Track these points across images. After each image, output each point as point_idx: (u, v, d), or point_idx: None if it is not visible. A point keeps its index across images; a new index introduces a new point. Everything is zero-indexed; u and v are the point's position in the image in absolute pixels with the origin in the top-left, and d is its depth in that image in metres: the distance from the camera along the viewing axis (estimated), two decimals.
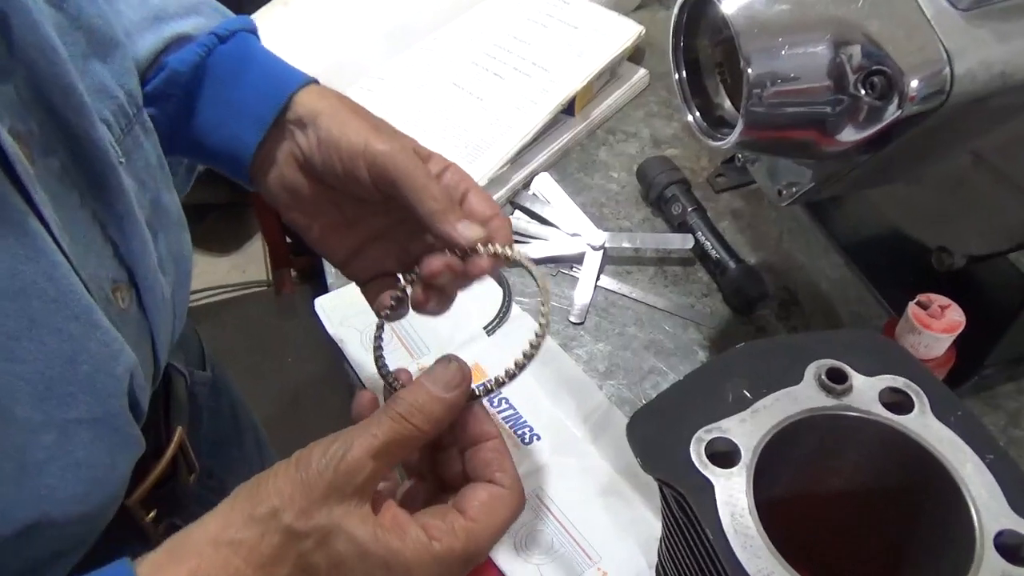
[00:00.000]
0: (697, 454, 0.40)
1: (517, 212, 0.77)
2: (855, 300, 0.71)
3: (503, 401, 0.63)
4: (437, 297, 0.47)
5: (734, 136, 0.49)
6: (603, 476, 0.59)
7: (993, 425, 0.62)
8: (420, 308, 0.47)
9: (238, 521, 0.35)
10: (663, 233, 0.75)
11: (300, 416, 1.78)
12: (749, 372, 0.43)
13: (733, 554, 0.36)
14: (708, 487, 0.39)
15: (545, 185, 0.78)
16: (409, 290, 0.48)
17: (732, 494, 0.39)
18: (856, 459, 0.43)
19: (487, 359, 0.65)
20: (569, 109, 0.85)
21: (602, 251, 0.73)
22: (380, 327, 0.48)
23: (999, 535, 0.37)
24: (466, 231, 0.43)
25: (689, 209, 0.75)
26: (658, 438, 0.41)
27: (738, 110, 0.48)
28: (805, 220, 0.78)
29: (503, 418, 0.62)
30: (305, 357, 1.88)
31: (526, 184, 0.79)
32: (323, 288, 0.74)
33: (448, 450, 0.42)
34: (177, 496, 0.53)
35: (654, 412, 0.43)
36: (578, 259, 0.73)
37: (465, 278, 0.45)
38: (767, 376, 0.43)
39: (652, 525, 0.55)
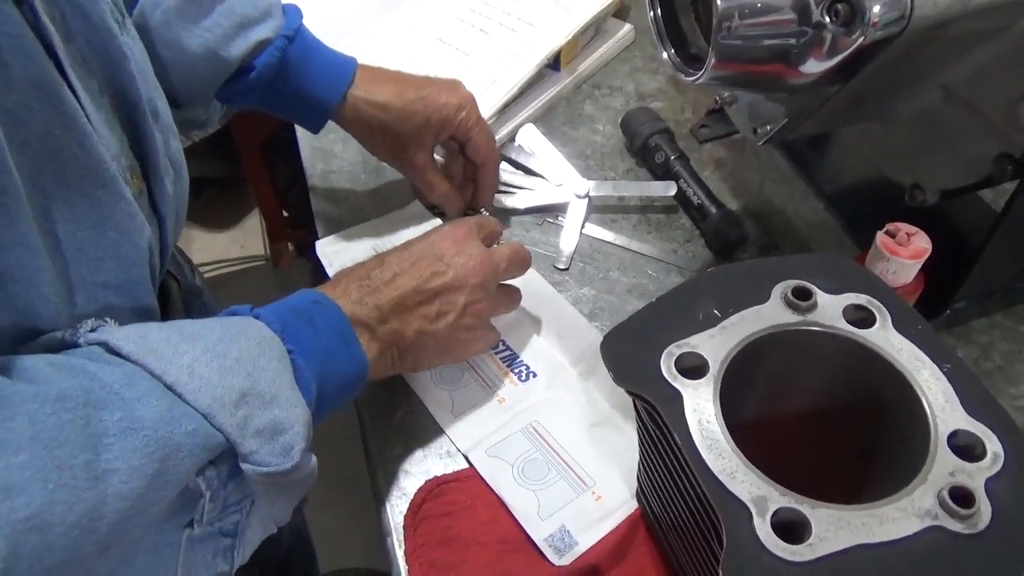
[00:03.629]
0: (667, 367, 0.42)
1: (504, 163, 0.78)
2: (833, 243, 0.72)
3: (500, 342, 0.65)
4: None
5: (706, 70, 0.50)
6: (597, 409, 0.61)
7: (966, 358, 0.64)
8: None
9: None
10: (647, 181, 0.77)
11: None
12: (719, 293, 0.45)
13: (699, 455, 0.38)
14: (677, 397, 0.41)
15: (531, 137, 0.80)
16: None
17: (699, 403, 0.40)
18: (821, 375, 0.45)
19: None
20: (555, 64, 0.86)
21: (587, 200, 0.75)
22: None
23: (952, 435, 0.39)
24: (451, 211, 0.72)
25: (672, 157, 0.76)
26: (631, 354, 0.43)
27: (710, 45, 0.50)
28: (786, 168, 0.79)
29: (501, 358, 0.64)
30: None
31: (512, 137, 0.81)
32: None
33: None
34: None
35: (627, 331, 0.44)
36: (563, 208, 0.75)
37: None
38: (736, 296, 0.45)
39: None
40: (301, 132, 0.83)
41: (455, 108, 0.67)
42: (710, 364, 0.42)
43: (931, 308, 0.62)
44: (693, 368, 0.42)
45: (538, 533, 0.54)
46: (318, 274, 0.70)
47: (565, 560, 0.53)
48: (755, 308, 0.44)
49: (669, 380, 0.41)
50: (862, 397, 0.44)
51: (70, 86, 0.40)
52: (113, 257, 0.43)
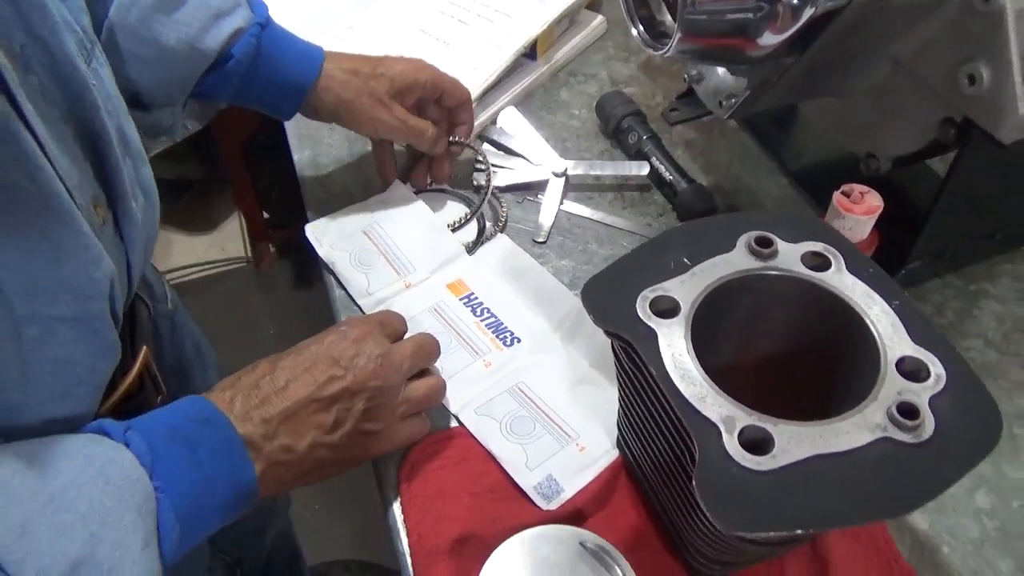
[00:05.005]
0: (643, 309, 0.45)
1: (486, 144, 0.82)
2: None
3: (485, 311, 0.68)
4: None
5: (673, 43, 0.54)
6: (578, 369, 0.64)
7: None
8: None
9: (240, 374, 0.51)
10: (621, 161, 0.81)
11: None
12: (688, 244, 0.49)
13: (673, 384, 0.42)
14: (652, 335, 0.44)
15: (511, 119, 0.83)
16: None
17: (672, 340, 0.44)
18: (783, 318, 0.49)
19: (469, 275, 0.71)
20: (531, 53, 0.90)
21: (564, 178, 0.79)
22: None
23: (900, 361, 0.43)
24: (437, 150, 0.75)
25: (644, 137, 0.80)
26: (608, 300, 0.47)
27: (676, 21, 0.54)
28: (753, 147, 0.84)
29: (486, 325, 0.67)
30: (286, 328, 1.92)
31: (493, 120, 0.84)
32: (303, 256, 0.80)
33: None
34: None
35: (604, 280, 0.48)
36: (542, 186, 0.79)
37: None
38: (704, 247, 0.49)
39: None
40: (293, 134, 0.86)
41: (414, 69, 0.70)
42: (682, 306, 0.46)
43: (887, 269, 0.66)
44: (666, 310, 0.46)
45: (526, 482, 0.57)
46: (300, 274, 0.74)
47: (552, 505, 0.56)
48: (722, 256, 0.48)
49: (644, 320, 0.45)
50: (820, 335, 0.48)
51: (24, 119, 0.39)
52: (68, 291, 0.42)
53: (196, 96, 0.66)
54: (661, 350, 0.44)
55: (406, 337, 0.58)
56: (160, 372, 0.59)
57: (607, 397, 0.62)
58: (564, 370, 0.64)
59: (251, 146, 1.86)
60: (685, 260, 0.48)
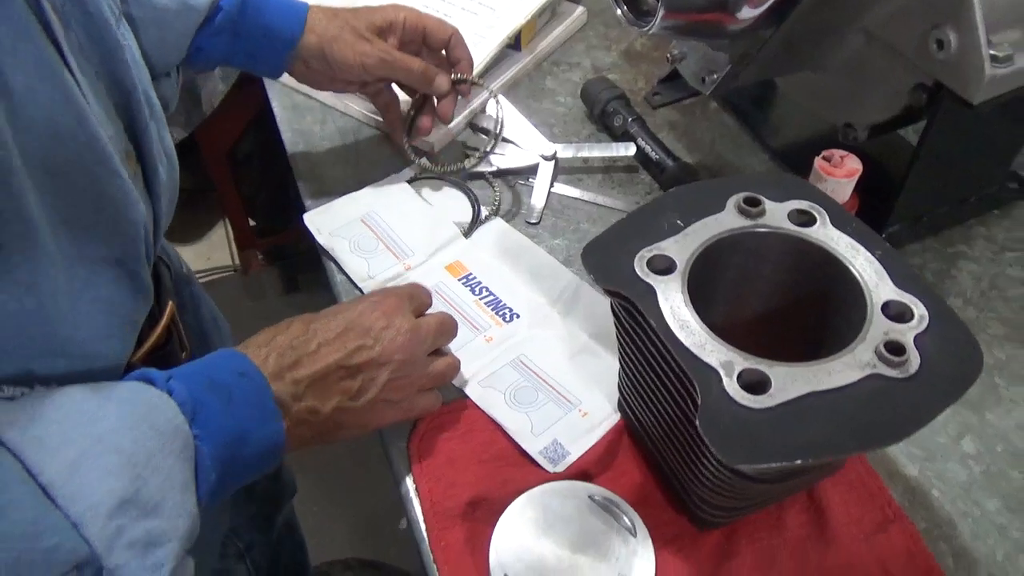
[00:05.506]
0: (640, 268, 0.48)
1: (476, 132, 0.84)
2: None
3: (484, 290, 0.70)
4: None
5: (656, 20, 0.57)
6: (577, 340, 0.66)
7: None
8: (424, 127, 0.80)
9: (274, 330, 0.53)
10: (608, 143, 0.83)
11: None
12: (680, 207, 0.51)
13: (673, 334, 0.44)
14: (651, 292, 0.47)
15: (500, 107, 0.85)
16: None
17: (670, 294, 0.47)
18: (774, 273, 0.52)
19: (466, 256, 0.73)
20: (516, 44, 0.93)
21: (554, 161, 0.81)
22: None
23: (885, 305, 0.46)
24: (440, 87, 0.76)
25: (630, 119, 0.83)
26: (607, 261, 0.49)
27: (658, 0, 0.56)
28: (734, 126, 0.87)
29: (485, 303, 0.69)
30: None
31: (483, 108, 0.87)
32: (291, 261, 0.81)
33: None
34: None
35: (603, 243, 0.50)
36: (532, 170, 0.81)
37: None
38: (695, 209, 0.51)
39: None
40: (281, 115, 0.88)
41: (392, 8, 0.73)
42: (677, 263, 0.48)
43: None
44: (663, 268, 0.48)
45: (532, 447, 0.59)
46: (288, 279, 0.75)
47: (559, 468, 0.58)
48: (713, 216, 0.50)
49: (643, 278, 0.47)
50: (809, 287, 0.50)
51: (69, 70, 0.42)
52: (112, 232, 0.44)
53: (191, 63, 0.68)
54: (660, 305, 0.46)
55: (429, 313, 0.60)
56: (183, 328, 0.61)
57: (606, 365, 0.64)
58: (563, 342, 0.67)
59: (235, 154, 1.87)
60: (678, 222, 0.50)
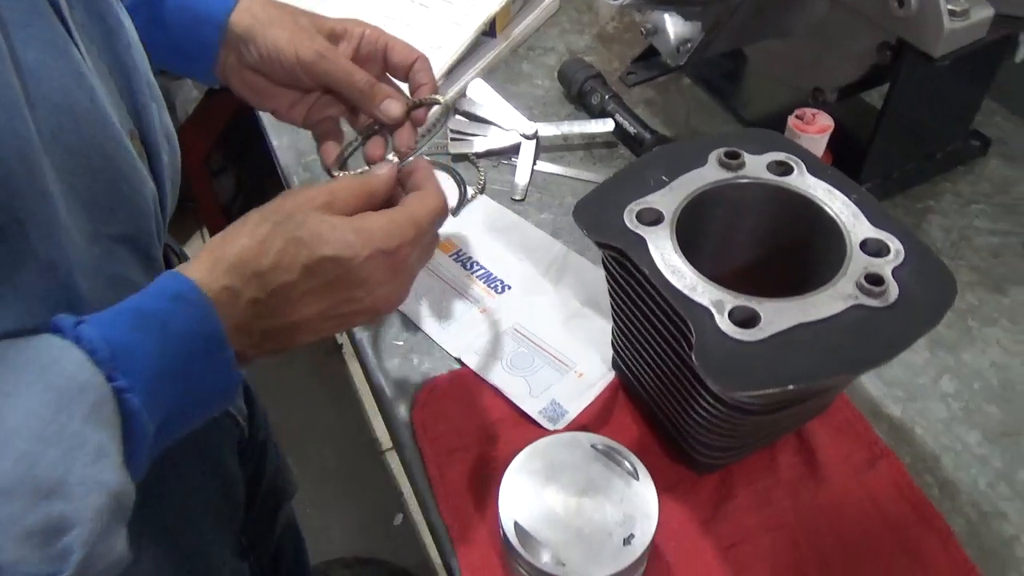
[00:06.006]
0: (630, 220, 0.50)
1: (458, 115, 0.86)
2: None
3: (475, 264, 0.72)
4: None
5: None
6: (569, 307, 0.68)
7: None
8: (375, 160, 0.59)
9: (237, 228, 0.43)
10: (587, 120, 0.86)
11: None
12: (664, 164, 0.54)
13: (665, 279, 0.46)
14: (641, 242, 0.49)
15: (480, 90, 0.88)
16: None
17: (660, 243, 0.49)
18: (756, 223, 0.54)
19: (456, 234, 0.75)
20: (491, 31, 0.95)
21: (535, 140, 0.83)
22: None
23: (863, 243, 0.48)
24: (389, 110, 0.57)
25: (607, 97, 0.85)
26: (599, 215, 0.51)
27: None
28: (708, 100, 0.89)
29: (477, 276, 0.71)
30: None
31: (463, 92, 0.88)
32: None
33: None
34: None
35: (592, 200, 0.52)
36: (515, 150, 0.83)
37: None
38: (679, 165, 0.53)
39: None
40: (269, 123, 0.88)
41: (352, 22, 0.60)
42: (665, 215, 0.50)
43: None
44: (652, 220, 0.50)
45: (531, 407, 0.61)
46: None
47: (559, 426, 0.60)
48: (696, 171, 0.53)
49: (633, 230, 0.49)
50: (791, 233, 0.53)
51: (77, 47, 0.42)
52: (125, 210, 0.44)
53: None
54: (651, 253, 0.48)
55: (424, 236, 0.48)
56: None
57: (599, 328, 0.66)
58: (556, 309, 0.69)
59: (210, 162, 1.87)
60: (663, 177, 0.52)
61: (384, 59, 0.60)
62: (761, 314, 0.44)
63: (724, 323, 0.44)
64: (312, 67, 0.56)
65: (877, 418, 0.62)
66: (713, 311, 0.45)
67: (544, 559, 0.47)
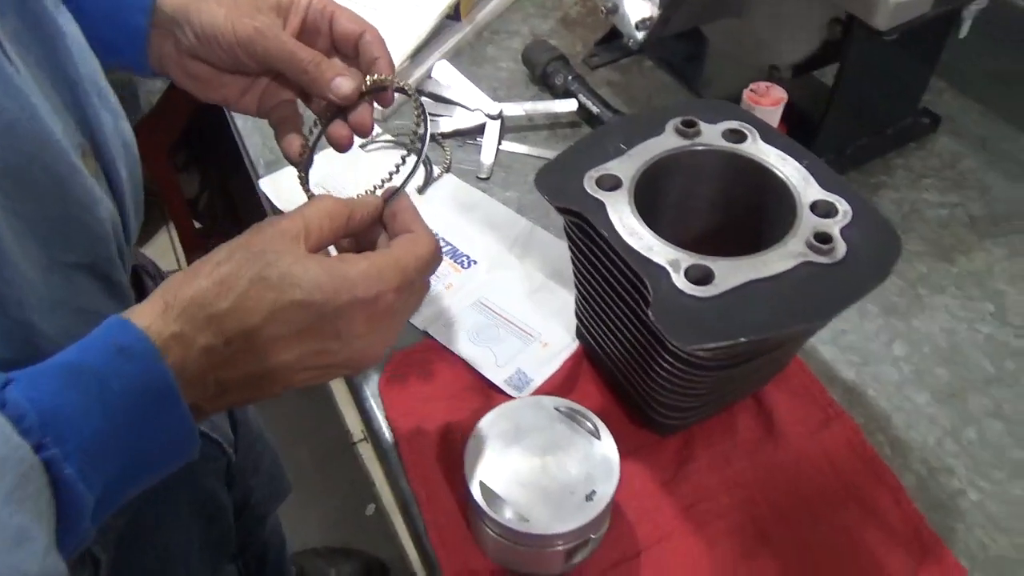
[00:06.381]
0: (590, 186, 0.51)
1: (424, 97, 0.87)
2: None
3: (441, 240, 0.73)
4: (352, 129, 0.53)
5: None
6: (534, 280, 0.70)
7: None
8: (341, 145, 0.53)
9: (200, 265, 0.39)
10: (551, 100, 0.87)
11: None
12: (623, 133, 0.55)
13: (623, 240, 0.48)
14: (601, 206, 0.50)
15: (445, 71, 0.88)
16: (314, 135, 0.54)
17: (618, 206, 0.50)
18: (712, 191, 0.56)
19: (423, 213, 0.74)
20: (455, 15, 0.95)
21: (500, 120, 0.84)
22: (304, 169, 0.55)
23: (813, 205, 0.50)
24: (340, 88, 0.50)
25: (570, 78, 0.86)
26: (560, 182, 0.52)
27: None
28: (670, 82, 0.91)
29: (444, 252, 0.72)
30: None
31: (428, 74, 0.89)
32: None
33: (377, 245, 0.46)
34: None
35: (554, 167, 0.54)
36: (480, 130, 0.84)
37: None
38: (637, 133, 0.55)
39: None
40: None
41: None
42: (623, 180, 0.52)
43: None
44: (610, 186, 0.51)
45: (497, 376, 0.62)
46: None
47: (524, 394, 0.61)
48: (654, 139, 0.54)
49: (592, 195, 0.51)
50: (745, 200, 0.54)
51: (8, 58, 0.37)
52: (80, 234, 0.40)
53: None
54: (610, 217, 0.50)
55: (412, 285, 0.43)
56: None
57: (563, 300, 0.67)
58: (521, 282, 0.70)
59: (175, 155, 1.85)
60: (622, 145, 0.54)
61: (330, 30, 0.53)
62: (715, 272, 0.46)
63: (680, 281, 0.46)
64: (251, 46, 0.50)
65: (832, 382, 0.64)
66: (669, 270, 0.46)
67: (508, 516, 0.49)
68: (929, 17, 0.63)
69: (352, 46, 0.53)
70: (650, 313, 0.44)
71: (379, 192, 0.48)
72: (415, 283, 0.43)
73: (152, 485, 0.38)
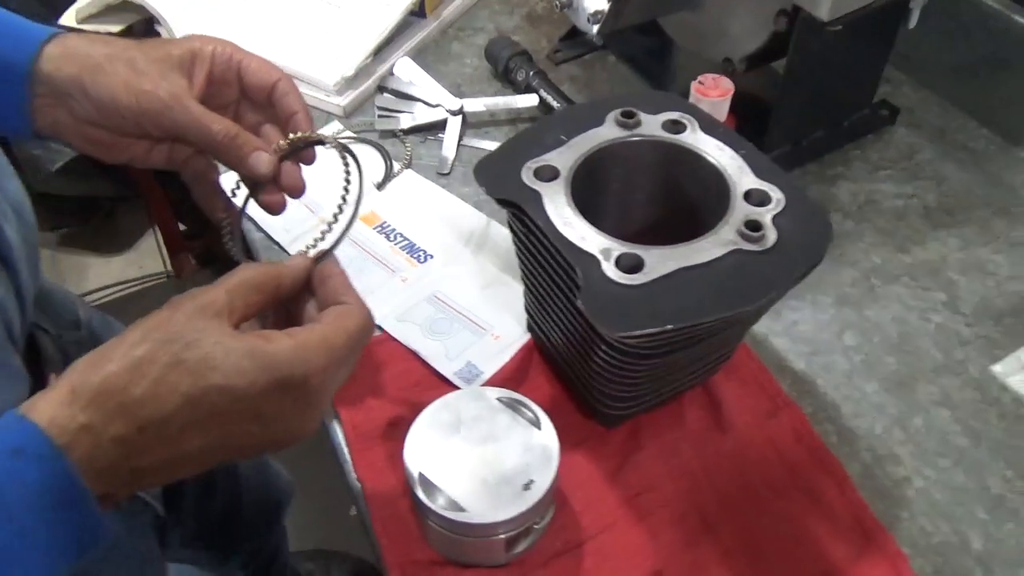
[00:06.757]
0: (528, 177, 0.52)
1: (386, 94, 0.87)
2: None
3: (399, 236, 0.73)
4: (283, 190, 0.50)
5: None
6: (488, 274, 0.70)
7: None
8: (274, 209, 0.51)
9: (112, 347, 0.36)
10: (511, 96, 0.87)
11: None
12: (564, 125, 0.55)
13: (556, 229, 0.48)
14: (537, 196, 0.51)
15: (407, 68, 0.89)
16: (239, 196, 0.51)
17: (554, 197, 0.50)
18: (652, 182, 0.56)
19: (380, 207, 0.76)
20: (420, 11, 0.96)
21: (461, 116, 0.84)
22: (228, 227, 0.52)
23: (747, 194, 0.50)
24: (258, 167, 0.47)
25: (531, 73, 0.86)
26: (498, 173, 0.52)
27: None
28: (632, 76, 0.91)
29: (400, 247, 0.72)
30: None
31: (390, 71, 0.90)
32: (225, 262, 0.76)
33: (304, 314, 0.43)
34: None
35: (493, 159, 0.54)
36: (441, 126, 0.84)
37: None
38: (577, 125, 0.55)
39: None
40: None
41: (198, 39, 0.49)
42: (561, 171, 0.52)
43: None
44: (549, 176, 0.52)
45: (447, 369, 0.63)
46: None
47: (473, 386, 0.62)
48: (593, 130, 0.54)
49: (530, 186, 0.51)
50: (684, 192, 0.55)
51: None
52: None
53: None
54: (546, 207, 0.50)
55: (342, 363, 0.40)
56: None
57: (516, 293, 0.67)
58: (475, 276, 0.70)
59: None
60: (562, 137, 0.54)
61: (239, 80, 0.49)
62: (646, 260, 0.46)
63: (610, 269, 0.46)
64: (158, 118, 0.46)
65: (782, 372, 0.64)
66: (600, 259, 0.46)
67: (446, 506, 0.49)
68: (875, 8, 0.63)
69: (265, 96, 0.49)
70: (579, 300, 0.45)
71: (311, 253, 0.45)
72: (345, 361, 0.40)
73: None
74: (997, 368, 0.64)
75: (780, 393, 0.62)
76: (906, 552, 0.54)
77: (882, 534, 0.55)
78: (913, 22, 0.68)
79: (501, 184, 0.52)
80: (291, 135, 0.48)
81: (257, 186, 0.49)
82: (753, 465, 0.58)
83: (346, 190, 0.48)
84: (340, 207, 0.47)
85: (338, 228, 0.46)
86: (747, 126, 0.71)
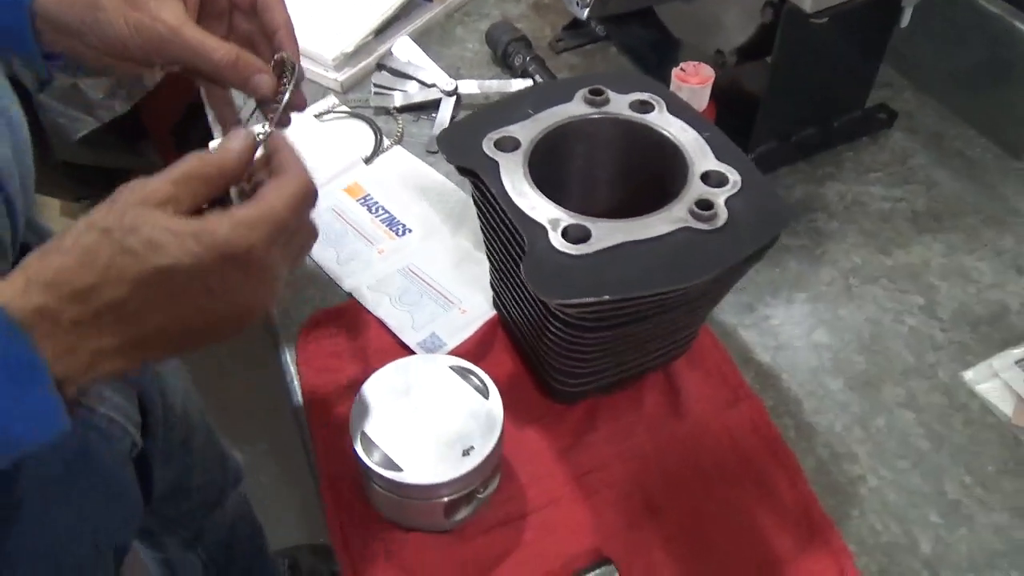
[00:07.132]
0: (488, 147, 0.52)
1: (384, 71, 0.88)
2: None
3: (380, 208, 0.74)
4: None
5: None
6: (462, 251, 0.70)
7: None
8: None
9: (61, 240, 0.37)
10: (507, 79, 0.87)
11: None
12: (534, 100, 0.55)
13: (508, 197, 0.48)
14: (495, 166, 0.51)
15: (405, 47, 0.90)
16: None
17: (512, 167, 0.51)
18: (615, 160, 0.56)
19: (365, 179, 0.77)
20: None
21: (455, 96, 0.85)
22: None
23: (705, 175, 0.50)
24: (259, 89, 0.49)
25: (528, 58, 0.87)
26: (461, 142, 0.53)
27: None
28: (630, 66, 0.91)
29: (380, 220, 0.73)
30: None
31: (390, 51, 0.90)
32: None
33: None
34: None
35: (458, 128, 0.54)
36: (435, 106, 0.85)
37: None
38: (547, 100, 0.55)
39: None
40: None
41: None
42: (522, 143, 0.52)
43: None
44: (509, 148, 0.52)
45: (411, 339, 0.63)
46: None
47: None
48: (560, 106, 0.55)
49: (489, 155, 0.51)
50: (647, 171, 0.55)
51: None
52: None
53: None
54: (502, 176, 0.50)
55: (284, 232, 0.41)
56: None
57: (487, 270, 0.68)
58: (450, 252, 0.70)
59: (179, 133, 1.89)
60: (529, 111, 0.54)
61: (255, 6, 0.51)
62: (593, 232, 0.46)
63: (557, 239, 0.46)
64: (161, 50, 0.47)
65: (747, 364, 0.63)
66: (548, 228, 0.47)
67: (382, 463, 0.49)
68: (861, 3, 0.62)
69: (249, 5, 0.52)
70: (522, 268, 0.45)
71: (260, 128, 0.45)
72: (287, 229, 0.40)
73: (34, 461, 0.36)
74: (968, 374, 0.63)
75: (743, 384, 0.61)
76: (852, 549, 0.53)
77: (829, 529, 0.54)
78: (905, 21, 0.68)
79: (462, 152, 0.52)
80: (276, 56, 0.50)
81: (264, 103, 0.51)
82: (706, 452, 0.58)
83: (287, 76, 0.50)
84: (282, 91, 0.49)
85: (279, 108, 0.48)
86: (736, 120, 0.70)
